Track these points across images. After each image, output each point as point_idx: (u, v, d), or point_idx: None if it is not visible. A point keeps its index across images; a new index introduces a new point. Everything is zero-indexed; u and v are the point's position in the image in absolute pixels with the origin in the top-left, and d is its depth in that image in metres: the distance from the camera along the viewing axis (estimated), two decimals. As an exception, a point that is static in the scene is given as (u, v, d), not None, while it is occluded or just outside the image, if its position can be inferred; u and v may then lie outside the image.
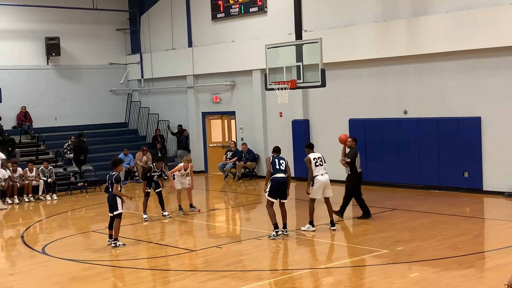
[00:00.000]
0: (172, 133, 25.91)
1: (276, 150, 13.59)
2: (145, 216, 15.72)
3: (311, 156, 13.54)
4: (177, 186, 16.30)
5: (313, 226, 13.61)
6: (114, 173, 12.76)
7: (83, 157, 22.54)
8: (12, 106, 24.07)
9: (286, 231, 13.28)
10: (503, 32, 16.61)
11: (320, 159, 13.57)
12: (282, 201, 13.18)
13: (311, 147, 13.97)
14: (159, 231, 14.86)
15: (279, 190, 13.06)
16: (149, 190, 15.91)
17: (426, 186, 18.55)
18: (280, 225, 13.20)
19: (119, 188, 12.69)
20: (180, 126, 25.64)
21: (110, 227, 12.96)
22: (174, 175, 16.36)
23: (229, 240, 13.55)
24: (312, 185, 13.50)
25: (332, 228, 13.60)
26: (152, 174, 15.89)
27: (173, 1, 25.60)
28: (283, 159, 13.28)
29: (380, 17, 19.18)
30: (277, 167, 13.06)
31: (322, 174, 13.49)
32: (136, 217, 16.13)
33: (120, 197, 12.77)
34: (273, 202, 13.10)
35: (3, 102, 22.08)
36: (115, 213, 12.75)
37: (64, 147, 23.29)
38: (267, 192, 13.13)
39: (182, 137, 25.22)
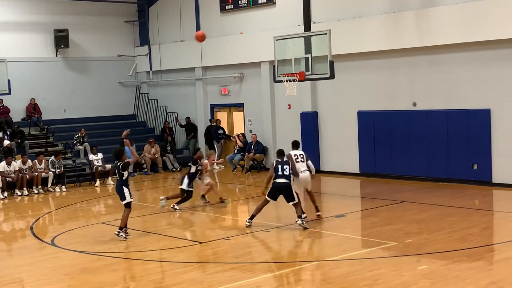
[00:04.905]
0: (181, 125, 25.94)
1: (281, 153, 13.60)
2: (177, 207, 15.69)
3: (292, 153, 13.74)
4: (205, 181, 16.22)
5: (301, 216, 13.56)
6: (119, 162, 12.83)
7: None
8: (21, 98, 24.16)
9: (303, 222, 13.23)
10: (513, 23, 16.52)
11: (302, 156, 13.72)
12: (289, 203, 13.23)
13: (293, 145, 14.22)
14: (168, 223, 14.88)
15: (278, 193, 13.18)
16: (192, 189, 15.69)
17: (435, 178, 18.50)
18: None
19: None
20: (188, 118, 25.68)
21: None
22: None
23: (237, 232, 13.55)
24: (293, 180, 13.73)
25: (317, 213, 13.87)
26: (198, 168, 15.70)
27: (181, -8, 25.61)
28: (287, 163, 13.22)
29: (389, 8, 19.09)
30: (280, 172, 13.10)
31: (302, 172, 13.58)
32: (145, 209, 16.18)
33: (126, 185, 12.88)
34: (269, 201, 13.25)
35: (12, 94, 22.13)
36: (123, 202, 12.86)
37: (74, 138, 23.34)
38: (266, 194, 13.38)
39: (213, 127, 24.86)
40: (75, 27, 25.66)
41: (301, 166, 13.58)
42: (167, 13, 26.35)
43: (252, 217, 13.50)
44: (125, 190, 12.84)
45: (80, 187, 20.97)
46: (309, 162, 13.87)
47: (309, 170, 13.75)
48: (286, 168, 13.11)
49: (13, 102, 23.72)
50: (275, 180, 13.17)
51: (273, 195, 13.23)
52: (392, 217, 14.08)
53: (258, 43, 22.26)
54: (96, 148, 22.02)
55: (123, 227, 12.90)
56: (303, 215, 13.34)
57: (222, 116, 25.29)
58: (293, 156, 13.60)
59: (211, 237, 13.05)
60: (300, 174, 13.52)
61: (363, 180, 19.88)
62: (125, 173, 12.83)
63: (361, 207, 16.03)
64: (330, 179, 20.55)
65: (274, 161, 13.41)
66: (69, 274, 10.72)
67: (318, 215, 13.90)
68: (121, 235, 12.83)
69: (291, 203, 13.19)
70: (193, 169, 15.70)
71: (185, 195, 15.65)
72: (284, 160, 13.32)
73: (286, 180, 13.08)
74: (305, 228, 12.97)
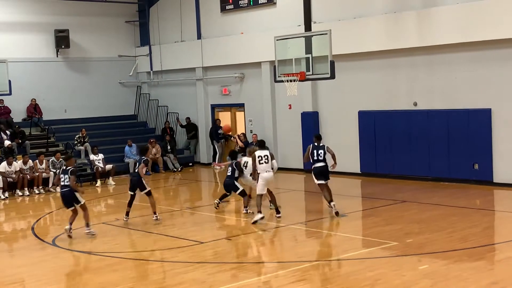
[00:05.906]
0: (181, 126, 25.95)
1: (318, 138, 14.49)
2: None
3: (257, 154, 14.01)
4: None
5: (261, 213, 13.79)
6: (143, 157, 14.35)
7: None
8: (22, 99, 24.15)
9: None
10: (514, 23, 16.50)
11: (266, 157, 13.98)
12: (326, 181, 14.33)
13: (259, 145, 14.61)
14: (169, 223, 14.88)
15: (321, 175, 14.30)
16: (242, 187, 15.28)
17: (436, 178, 18.49)
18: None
19: (144, 169, 14.24)
20: (188, 118, 25.68)
21: (129, 204, 14.47)
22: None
23: (238, 232, 13.58)
24: (257, 181, 14.01)
25: (277, 215, 14.21)
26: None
27: (182, -7, 25.61)
28: (322, 148, 14.33)
29: (390, 8, 19.09)
30: (315, 157, 14.25)
31: (266, 171, 13.92)
32: (147, 209, 16.15)
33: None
34: (321, 183, 14.33)
35: (13, 95, 22.13)
36: (143, 192, 14.31)
37: (75, 139, 23.33)
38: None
39: (213, 127, 24.72)
40: (75, 28, 25.65)
41: (265, 167, 13.88)
42: (168, 13, 26.35)
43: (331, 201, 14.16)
44: (144, 181, 14.25)
45: (81, 188, 20.95)
46: (274, 161, 14.30)
47: (272, 170, 14.17)
48: (321, 152, 14.25)
49: (14, 103, 23.72)
50: (314, 165, 14.25)
51: (320, 178, 14.27)
52: (393, 217, 14.08)
53: (259, 43, 22.25)
54: (97, 148, 22.04)
55: (156, 211, 14.40)
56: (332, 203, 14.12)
57: (226, 116, 25.27)
58: (257, 157, 13.90)
59: (212, 237, 13.05)
60: (265, 174, 13.85)
61: (364, 180, 19.88)
62: (142, 165, 14.14)
63: (362, 207, 16.02)
64: (330, 179, 20.46)
65: (311, 145, 14.42)
66: (70, 275, 10.74)
67: (278, 217, 14.12)
68: (158, 218, 14.32)
69: (327, 182, 14.23)
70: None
71: (244, 196, 15.17)
72: (320, 145, 14.35)
73: (323, 163, 14.28)
74: (336, 213, 13.92)
